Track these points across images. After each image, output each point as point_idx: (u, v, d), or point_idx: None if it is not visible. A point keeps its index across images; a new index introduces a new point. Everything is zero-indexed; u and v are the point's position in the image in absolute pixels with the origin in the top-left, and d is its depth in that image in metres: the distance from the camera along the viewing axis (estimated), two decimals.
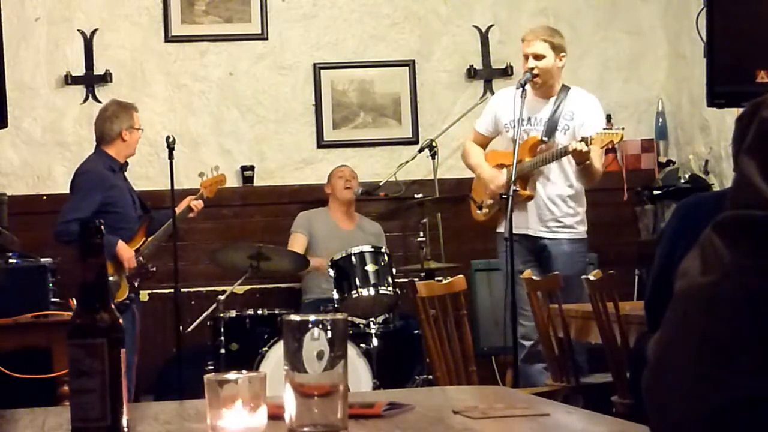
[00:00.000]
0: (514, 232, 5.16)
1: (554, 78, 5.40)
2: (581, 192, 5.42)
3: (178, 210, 5.67)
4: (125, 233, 5.53)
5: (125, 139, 5.66)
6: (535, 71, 5.30)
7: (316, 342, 1.41)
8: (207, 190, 5.90)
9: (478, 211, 5.60)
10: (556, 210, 5.36)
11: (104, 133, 5.67)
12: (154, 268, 5.67)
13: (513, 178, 5.01)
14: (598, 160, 5.34)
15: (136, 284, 5.59)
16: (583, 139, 5.09)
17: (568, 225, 5.37)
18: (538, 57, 5.33)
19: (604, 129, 5.22)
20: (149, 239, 5.65)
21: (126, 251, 5.52)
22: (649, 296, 1.35)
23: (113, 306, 1.47)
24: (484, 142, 5.63)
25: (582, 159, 5.14)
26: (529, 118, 5.38)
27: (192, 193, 6.01)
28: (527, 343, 5.19)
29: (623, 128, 5.26)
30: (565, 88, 5.46)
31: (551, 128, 5.34)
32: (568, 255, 5.33)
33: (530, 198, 5.33)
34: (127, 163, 5.81)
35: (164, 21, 6.69)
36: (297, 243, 6.20)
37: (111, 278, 5.39)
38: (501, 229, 5.39)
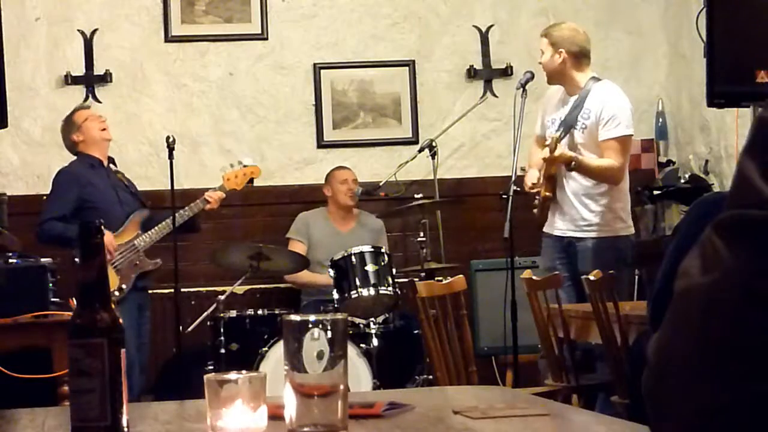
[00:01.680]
0: (547, 231, 5.19)
1: (562, 75, 5.30)
2: (615, 188, 5.28)
3: (194, 204, 5.70)
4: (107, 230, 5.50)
5: (79, 140, 5.72)
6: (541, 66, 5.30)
7: (316, 342, 1.41)
8: (230, 182, 5.87)
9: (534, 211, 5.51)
10: (583, 209, 5.23)
11: (67, 147, 5.82)
12: (157, 262, 5.65)
13: (513, 178, 5.01)
14: (615, 155, 5.19)
15: (133, 276, 5.55)
16: (546, 146, 5.06)
17: (595, 223, 5.24)
18: (541, 53, 5.33)
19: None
20: (145, 233, 5.64)
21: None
22: (656, 292, 1.35)
23: (113, 306, 1.47)
24: (539, 143, 5.52)
25: (560, 163, 5.12)
26: (554, 119, 5.33)
27: (190, 193, 6.00)
28: None
29: (557, 135, 5.13)
30: (593, 81, 5.32)
31: (567, 127, 5.27)
32: (592, 251, 5.20)
33: (547, 199, 5.25)
34: (112, 160, 5.81)
35: (164, 21, 6.69)
36: (296, 251, 6.18)
37: None
38: (545, 228, 5.34)
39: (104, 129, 5.75)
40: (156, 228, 5.64)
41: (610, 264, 4.94)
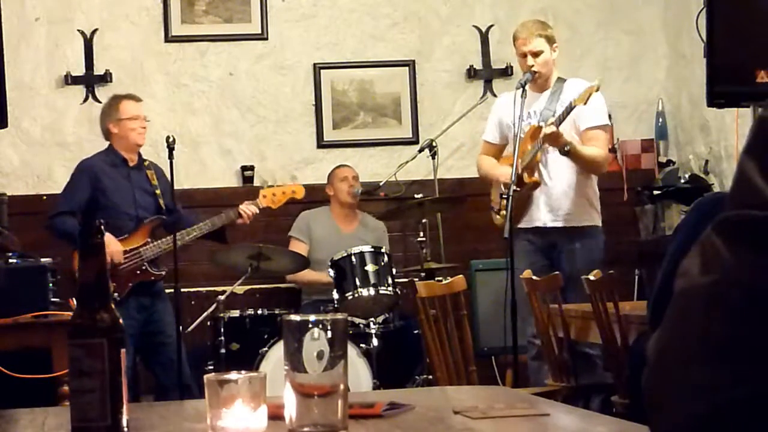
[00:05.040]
0: (525, 226, 5.17)
1: (551, 70, 5.41)
2: (591, 179, 5.37)
3: (224, 214, 5.62)
4: (115, 231, 5.39)
5: (114, 131, 5.62)
6: (535, 68, 5.29)
7: (316, 342, 1.41)
8: (267, 199, 5.77)
9: (497, 216, 5.54)
10: (567, 200, 5.30)
11: (101, 132, 5.72)
12: (162, 273, 5.57)
13: (513, 178, 4.98)
14: (603, 144, 5.31)
15: (130, 285, 5.46)
16: (551, 124, 5.08)
17: (579, 214, 5.32)
18: (536, 54, 5.32)
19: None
20: (155, 242, 5.54)
21: (111, 245, 5.32)
22: (657, 291, 1.35)
23: (113, 306, 1.47)
24: (496, 152, 5.58)
25: (557, 144, 5.11)
26: (528, 113, 5.35)
27: (190, 193, 5.99)
28: (538, 341, 5.16)
29: (600, 78, 5.17)
30: (561, 80, 5.43)
31: (548, 116, 5.31)
32: (579, 251, 5.28)
33: (537, 184, 5.26)
34: (141, 161, 5.68)
35: (164, 21, 6.69)
36: (297, 250, 6.17)
37: None
38: (522, 224, 5.33)
39: (141, 133, 5.63)
40: (166, 239, 5.52)
41: (596, 260, 5.15)
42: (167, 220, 5.62)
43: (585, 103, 5.08)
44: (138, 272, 5.47)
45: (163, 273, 5.56)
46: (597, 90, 5.07)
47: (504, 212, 5.37)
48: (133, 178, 5.62)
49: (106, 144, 5.69)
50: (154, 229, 5.59)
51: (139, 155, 5.72)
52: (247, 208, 5.69)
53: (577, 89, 5.28)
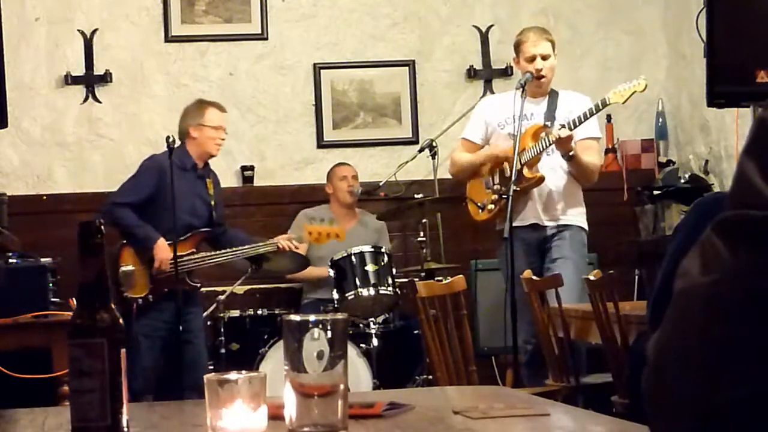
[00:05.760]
0: (520, 224, 5.17)
1: (552, 77, 5.42)
2: (578, 185, 5.42)
3: (270, 244, 5.61)
4: (165, 234, 5.37)
5: (194, 136, 5.58)
6: (543, 72, 5.29)
7: (316, 342, 1.41)
8: (312, 236, 5.73)
9: (480, 212, 5.53)
10: (561, 201, 5.33)
11: (179, 130, 5.67)
12: (198, 285, 5.56)
13: (513, 178, 4.99)
14: (597, 155, 5.37)
15: (165, 290, 5.41)
16: (563, 126, 5.10)
17: (572, 214, 5.37)
18: (545, 57, 5.32)
19: (624, 84, 5.18)
20: (199, 254, 5.51)
21: (163, 252, 5.35)
22: (657, 291, 1.35)
23: (113, 306, 1.47)
24: (474, 151, 5.59)
25: (565, 148, 5.12)
26: (525, 115, 5.35)
27: None
28: (530, 346, 5.15)
29: (644, 77, 5.21)
30: (554, 92, 5.46)
31: (550, 119, 5.33)
32: (568, 240, 5.33)
33: (542, 180, 5.27)
34: (208, 170, 5.68)
35: (164, 21, 6.69)
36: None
37: (126, 268, 5.36)
38: (501, 226, 5.35)
39: (219, 144, 5.63)
40: (213, 253, 5.52)
41: (581, 254, 5.31)
42: (214, 232, 5.62)
43: (624, 102, 5.14)
44: (176, 280, 5.40)
45: (199, 285, 5.57)
46: (643, 90, 5.11)
47: (491, 206, 5.40)
48: (195, 185, 5.58)
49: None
50: (202, 240, 5.57)
51: (206, 163, 5.71)
52: (289, 243, 5.65)
53: (575, 99, 5.35)
